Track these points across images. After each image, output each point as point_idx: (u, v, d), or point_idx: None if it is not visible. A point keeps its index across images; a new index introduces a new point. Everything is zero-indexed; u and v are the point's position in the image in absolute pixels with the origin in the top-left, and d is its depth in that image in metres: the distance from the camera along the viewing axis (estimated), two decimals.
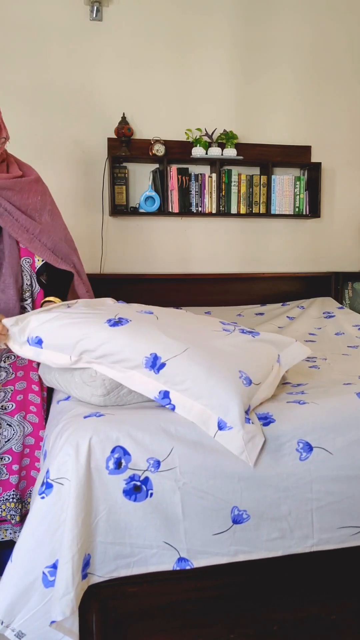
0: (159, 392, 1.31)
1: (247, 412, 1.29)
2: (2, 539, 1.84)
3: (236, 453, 1.25)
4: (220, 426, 1.25)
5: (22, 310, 1.74)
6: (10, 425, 1.79)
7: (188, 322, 1.54)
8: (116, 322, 1.39)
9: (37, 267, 1.79)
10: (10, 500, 1.81)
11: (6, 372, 1.76)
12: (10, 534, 1.83)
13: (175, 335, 1.38)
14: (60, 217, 1.88)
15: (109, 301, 1.69)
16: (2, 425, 1.77)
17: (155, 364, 1.30)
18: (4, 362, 1.74)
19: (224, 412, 1.26)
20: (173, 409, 1.30)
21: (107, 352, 1.34)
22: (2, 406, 1.76)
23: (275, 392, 1.53)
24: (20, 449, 1.81)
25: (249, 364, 1.39)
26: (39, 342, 1.40)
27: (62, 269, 1.81)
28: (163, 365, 1.30)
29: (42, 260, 1.78)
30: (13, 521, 1.80)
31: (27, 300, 1.76)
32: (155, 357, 1.31)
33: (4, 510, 1.80)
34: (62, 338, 1.38)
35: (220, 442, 1.26)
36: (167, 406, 1.31)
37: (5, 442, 1.79)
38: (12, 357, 1.76)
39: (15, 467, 1.81)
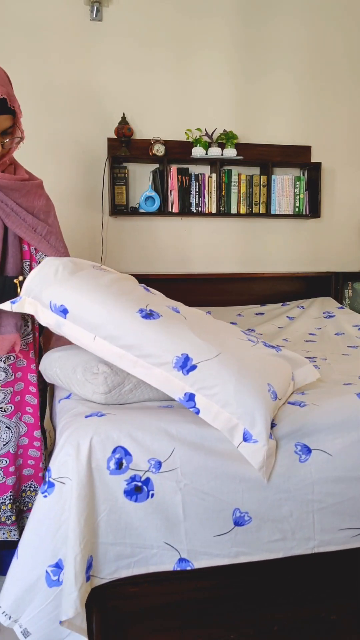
0: (185, 394, 1.27)
1: (271, 427, 1.29)
2: None
3: (256, 467, 1.24)
4: (246, 437, 1.24)
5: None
6: (8, 428, 1.78)
7: (214, 327, 1.49)
8: (148, 315, 1.32)
9: None
10: (7, 502, 1.81)
11: (5, 372, 1.76)
12: (4, 534, 1.83)
13: (207, 339, 1.33)
14: (59, 226, 1.89)
15: (131, 280, 1.62)
16: (1, 428, 1.77)
17: (185, 364, 1.26)
18: (4, 362, 1.74)
19: (251, 424, 1.23)
20: (197, 412, 1.26)
21: (134, 344, 1.28)
22: (1, 408, 1.76)
23: None
24: (15, 450, 1.80)
25: (276, 378, 1.36)
26: (63, 311, 1.33)
27: None
28: (194, 367, 1.26)
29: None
30: (8, 522, 1.81)
31: None
32: (187, 358, 1.27)
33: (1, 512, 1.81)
34: (90, 315, 1.31)
35: (242, 453, 1.24)
36: (190, 409, 1.27)
37: (4, 445, 1.78)
38: (12, 358, 1.76)
39: (11, 469, 1.80)
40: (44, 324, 1.41)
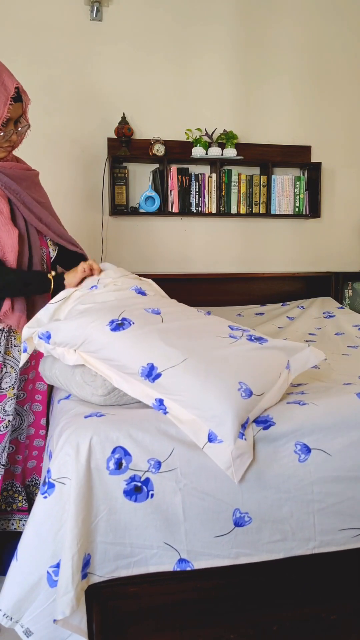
0: (155, 400, 1.32)
1: (243, 426, 1.27)
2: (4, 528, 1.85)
3: (222, 467, 1.23)
4: (211, 438, 1.24)
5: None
6: (19, 415, 1.82)
7: (194, 326, 1.51)
8: (118, 325, 1.38)
9: (52, 258, 1.84)
10: (9, 489, 1.83)
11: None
12: (13, 524, 1.85)
13: (176, 344, 1.36)
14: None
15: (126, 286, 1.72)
16: (13, 414, 1.79)
17: (151, 374, 1.30)
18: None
19: (216, 425, 1.24)
20: (165, 413, 1.30)
21: (107, 357, 1.35)
22: (17, 395, 1.78)
23: None
24: (24, 440, 1.85)
25: (252, 374, 1.36)
26: (47, 337, 1.44)
27: (72, 255, 1.89)
28: (159, 375, 1.29)
29: (55, 250, 1.83)
30: (9, 509, 1.83)
31: None
32: (152, 367, 1.30)
33: (1, 501, 1.83)
34: (67, 336, 1.41)
35: (208, 454, 1.25)
36: (160, 411, 1.31)
37: (13, 431, 1.82)
38: None
39: (18, 457, 1.85)
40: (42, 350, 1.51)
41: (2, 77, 1.55)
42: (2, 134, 1.59)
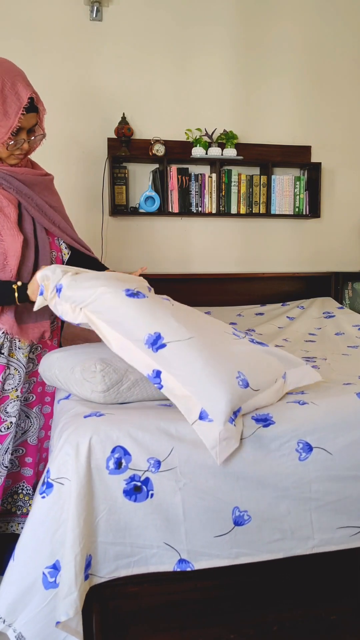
0: (152, 371, 1.31)
1: (235, 413, 1.27)
2: (4, 531, 1.85)
3: (208, 446, 1.23)
4: (202, 416, 1.24)
5: None
6: (28, 417, 1.81)
7: (201, 319, 1.54)
8: (133, 294, 1.39)
9: (64, 262, 1.84)
10: (19, 492, 1.83)
11: (33, 363, 1.79)
12: (12, 527, 1.84)
13: (185, 323, 1.37)
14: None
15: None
16: (21, 417, 1.78)
17: (156, 342, 1.30)
18: (32, 353, 1.78)
19: (209, 404, 1.24)
20: (160, 388, 1.30)
21: (114, 319, 1.35)
22: (25, 397, 1.78)
23: None
24: (35, 442, 1.83)
25: (250, 368, 1.37)
26: (59, 289, 1.42)
27: (86, 259, 1.89)
28: (163, 346, 1.29)
29: (68, 254, 1.84)
30: (19, 512, 1.83)
31: None
32: (158, 337, 1.30)
33: (10, 503, 1.82)
34: (78, 290, 1.40)
35: (195, 431, 1.25)
36: (155, 385, 1.31)
37: (22, 434, 1.81)
38: (39, 349, 1.79)
39: (28, 459, 1.83)
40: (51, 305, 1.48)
41: (17, 87, 1.55)
42: (12, 142, 1.59)
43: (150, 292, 1.54)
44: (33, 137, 1.65)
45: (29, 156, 1.80)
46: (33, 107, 1.60)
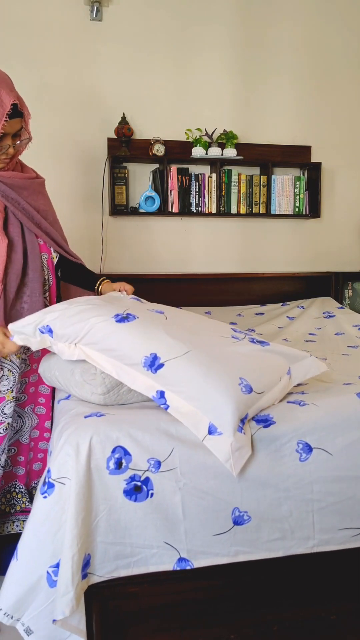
0: (157, 392, 1.31)
1: (242, 421, 1.27)
2: (0, 533, 1.85)
3: (221, 460, 1.23)
4: (211, 430, 1.24)
5: (44, 305, 1.78)
6: (20, 417, 1.82)
7: (198, 325, 1.52)
8: (123, 318, 1.39)
9: (55, 263, 1.84)
10: (11, 491, 1.84)
11: (25, 364, 1.80)
12: (8, 527, 1.85)
13: (180, 337, 1.37)
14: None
15: (125, 298, 1.72)
16: (13, 416, 1.79)
17: (153, 364, 1.30)
18: (24, 353, 1.79)
19: (216, 417, 1.24)
20: (167, 408, 1.30)
21: (109, 347, 1.34)
22: (16, 397, 1.78)
23: None
24: (27, 442, 1.85)
25: (253, 372, 1.36)
26: (49, 331, 1.41)
27: (73, 263, 1.90)
28: (161, 365, 1.30)
29: (57, 257, 1.84)
30: (13, 510, 1.84)
31: (45, 293, 1.80)
32: (155, 357, 1.30)
33: (4, 503, 1.83)
34: (69, 327, 1.39)
35: (207, 447, 1.25)
36: (162, 406, 1.31)
37: (14, 433, 1.82)
38: (30, 350, 1.80)
39: (20, 458, 1.85)
40: (40, 347, 1.46)
41: (0, 93, 1.53)
42: None
43: (142, 306, 1.53)
44: (19, 142, 1.64)
45: (19, 159, 1.80)
46: (17, 112, 1.58)
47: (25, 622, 1.20)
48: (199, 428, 1.25)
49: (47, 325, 1.41)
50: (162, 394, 1.30)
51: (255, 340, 1.56)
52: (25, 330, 1.44)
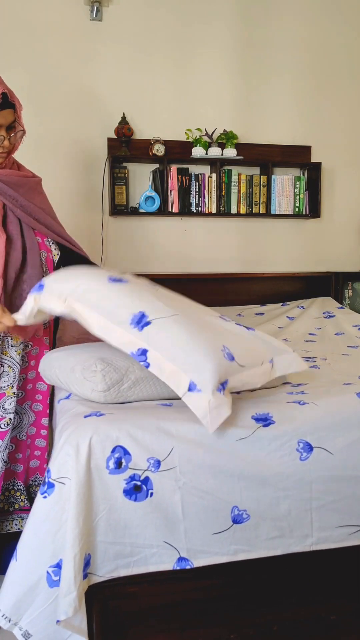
0: (138, 349, 1.30)
1: (223, 385, 1.27)
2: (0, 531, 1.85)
3: (199, 416, 1.23)
4: (190, 387, 1.24)
5: None
6: (17, 413, 1.82)
7: (187, 302, 1.56)
8: (116, 279, 1.42)
9: (55, 262, 1.84)
10: (10, 489, 1.84)
11: (23, 360, 1.80)
12: (7, 525, 1.85)
13: (169, 303, 1.39)
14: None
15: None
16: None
17: (140, 321, 1.31)
18: (23, 350, 1.79)
19: (196, 375, 1.24)
20: (147, 367, 1.30)
21: (98, 303, 1.35)
22: (16, 393, 1.79)
23: (275, 392, 1.53)
24: (24, 438, 1.84)
25: (236, 345, 1.38)
26: (40, 287, 1.43)
27: (76, 257, 1.89)
28: (148, 323, 1.30)
29: (58, 255, 1.84)
30: (11, 509, 1.84)
31: None
32: (143, 315, 1.31)
33: (3, 501, 1.83)
34: (62, 283, 1.41)
35: (186, 403, 1.25)
36: (141, 363, 1.31)
37: (12, 430, 1.82)
38: (29, 346, 1.80)
39: (18, 455, 1.85)
40: (28, 307, 1.47)
41: None
42: None
43: (136, 280, 1.54)
44: (13, 134, 1.64)
45: (15, 158, 1.80)
46: (8, 103, 1.58)
47: (24, 626, 1.18)
48: (180, 386, 1.26)
49: (41, 284, 1.44)
50: (144, 352, 1.30)
51: (241, 325, 1.58)
52: (24, 309, 1.46)
